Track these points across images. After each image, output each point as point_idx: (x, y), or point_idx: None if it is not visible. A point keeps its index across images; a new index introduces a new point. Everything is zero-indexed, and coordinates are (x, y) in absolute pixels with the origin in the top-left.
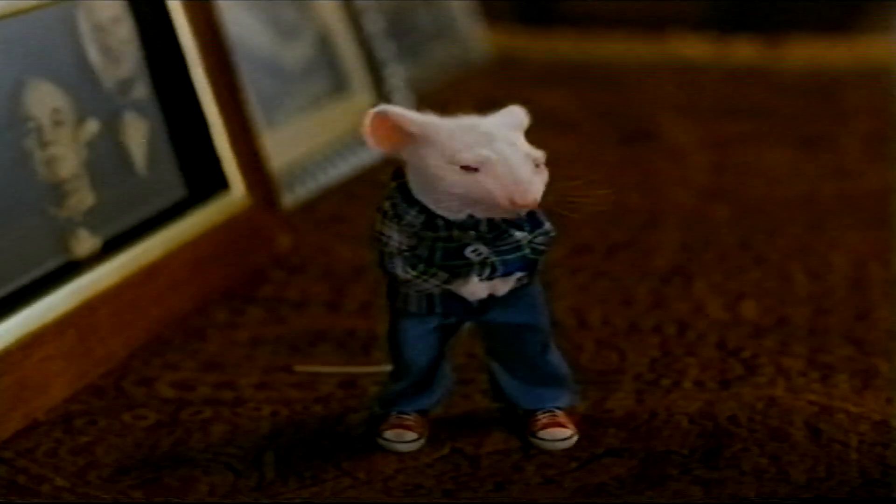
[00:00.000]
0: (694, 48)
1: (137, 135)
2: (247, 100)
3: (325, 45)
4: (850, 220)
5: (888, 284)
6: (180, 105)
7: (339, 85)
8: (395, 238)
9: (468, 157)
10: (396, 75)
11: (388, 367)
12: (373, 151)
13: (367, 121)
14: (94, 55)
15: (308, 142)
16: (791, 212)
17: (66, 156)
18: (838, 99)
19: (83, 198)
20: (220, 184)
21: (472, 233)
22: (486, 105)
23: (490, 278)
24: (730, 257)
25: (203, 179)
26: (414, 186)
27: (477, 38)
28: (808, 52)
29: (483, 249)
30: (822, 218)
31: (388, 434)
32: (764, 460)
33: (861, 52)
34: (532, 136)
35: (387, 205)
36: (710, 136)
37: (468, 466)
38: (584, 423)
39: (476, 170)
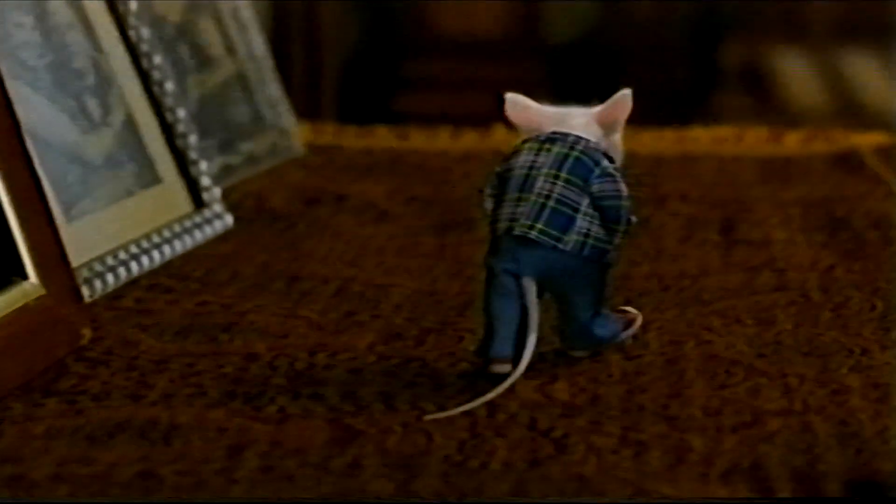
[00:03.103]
0: (514, 139)
1: None
2: (44, 189)
3: (132, 136)
4: (667, 301)
5: (703, 361)
6: None
7: (147, 177)
8: None
9: None
10: (208, 166)
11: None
12: (185, 242)
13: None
14: None
15: (114, 233)
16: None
17: None
18: (658, 184)
19: None
20: (15, 274)
21: None
22: (304, 197)
23: None
24: (543, 339)
25: None
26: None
27: (294, 130)
28: (629, 141)
29: None
30: (638, 298)
31: None
32: None
33: (681, 140)
34: (347, 225)
35: (613, 167)
36: None
37: None
38: None
39: None
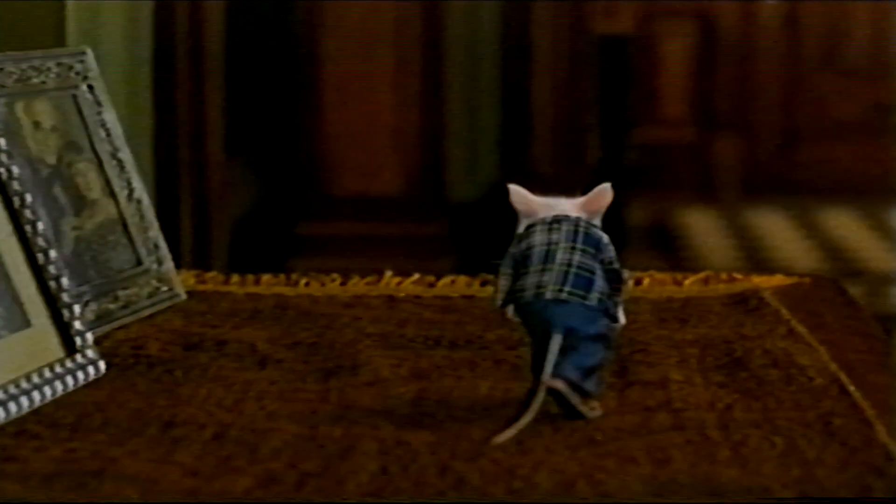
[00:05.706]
0: (407, 285)
1: None
2: None
3: (2, 280)
4: (558, 441)
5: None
6: None
7: (15, 320)
8: None
9: None
10: (83, 311)
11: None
12: (55, 389)
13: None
14: None
15: None
16: (495, 435)
17: None
18: None
19: None
20: None
21: None
22: (183, 342)
23: None
24: (429, 482)
25: None
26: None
27: (175, 277)
28: None
29: None
30: (528, 439)
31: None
32: None
33: None
34: (227, 370)
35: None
36: (413, 367)
37: None
38: None
39: None
